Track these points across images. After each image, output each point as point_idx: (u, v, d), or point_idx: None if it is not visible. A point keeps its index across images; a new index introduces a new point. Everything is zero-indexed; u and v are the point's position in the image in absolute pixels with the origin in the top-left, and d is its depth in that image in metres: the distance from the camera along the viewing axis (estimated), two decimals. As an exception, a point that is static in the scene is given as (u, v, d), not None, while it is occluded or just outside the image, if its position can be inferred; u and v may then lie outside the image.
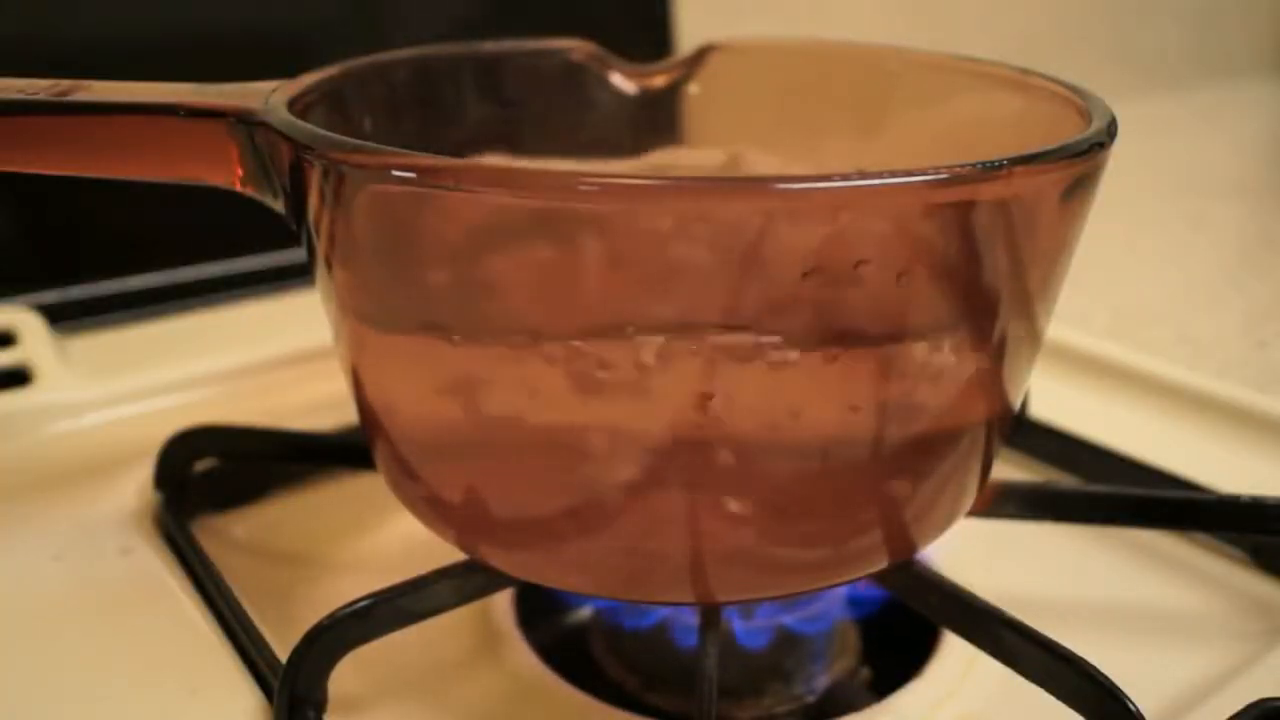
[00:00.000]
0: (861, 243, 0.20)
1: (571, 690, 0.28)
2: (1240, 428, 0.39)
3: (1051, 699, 0.24)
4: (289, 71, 0.27)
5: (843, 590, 0.30)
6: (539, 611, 0.31)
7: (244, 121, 0.24)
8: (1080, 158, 0.21)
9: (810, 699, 0.29)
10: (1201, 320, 0.53)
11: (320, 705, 0.25)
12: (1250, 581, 0.32)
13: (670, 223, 0.19)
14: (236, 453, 0.35)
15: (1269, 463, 0.38)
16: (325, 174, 0.22)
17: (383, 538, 0.34)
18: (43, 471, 0.36)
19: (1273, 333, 0.51)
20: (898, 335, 0.21)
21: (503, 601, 0.30)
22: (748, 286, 0.20)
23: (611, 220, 0.19)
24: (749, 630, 0.29)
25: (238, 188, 0.26)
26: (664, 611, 0.29)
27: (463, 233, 0.21)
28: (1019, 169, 0.20)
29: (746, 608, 0.29)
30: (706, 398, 0.21)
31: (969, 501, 0.26)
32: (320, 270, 0.24)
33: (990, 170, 0.20)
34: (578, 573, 0.25)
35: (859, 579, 0.26)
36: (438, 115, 0.32)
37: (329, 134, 0.22)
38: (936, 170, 0.19)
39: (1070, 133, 0.22)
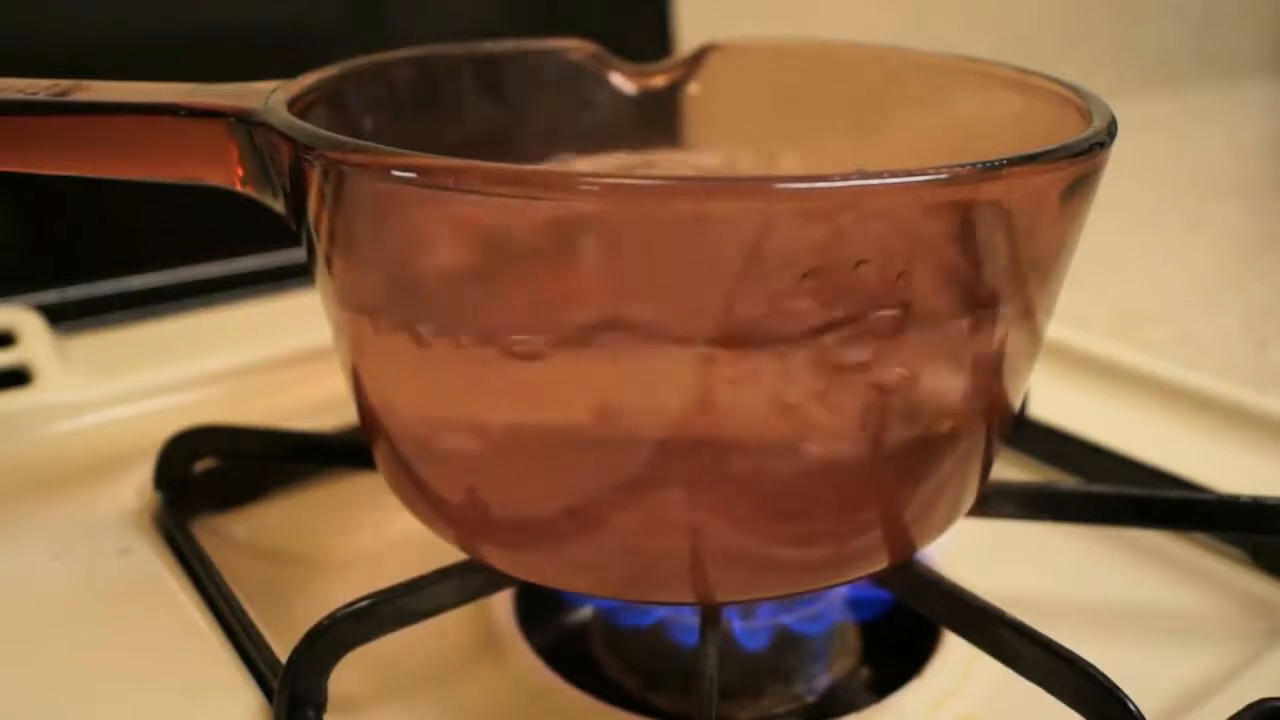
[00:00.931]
0: (861, 243, 0.20)
1: (571, 690, 0.28)
2: (1240, 428, 0.39)
3: (1051, 699, 0.24)
4: (289, 71, 0.27)
5: (843, 591, 0.30)
6: (539, 611, 0.31)
7: (244, 121, 0.24)
8: (1080, 158, 0.21)
9: (810, 699, 0.29)
10: (1201, 320, 0.53)
11: (320, 705, 0.25)
12: (1250, 581, 0.32)
13: (670, 223, 0.19)
14: (236, 453, 0.35)
15: (1269, 463, 0.38)
16: (325, 174, 0.22)
17: (383, 538, 0.34)
18: (43, 471, 0.36)
19: (1273, 333, 0.51)
20: (897, 335, 0.21)
21: (503, 601, 0.30)
22: (747, 286, 0.20)
23: (611, 220, 0.19)
24: (749, 630, 0.29)
25: (238, 188, 0.26)
26: (664, 611, 0.29)
27: (462, 233, 0.21)
28: (1019, 169, 0.20)
29: (746, 608, 0.29)
30: (706, 397, 0.21)
31: (969, 501, 0.26)
32: (320, 270, 0.24)
33: (990, 170, 0.20)
34: (578, 573, 0.25)
35: (859, 579, 0.26)
36: (438, 115, 0.32)
37: (329, 134, 0.22)
38: (936, 170, 0.19)
39: (1070, 133, 0.22)
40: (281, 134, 0.23)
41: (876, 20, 0.79)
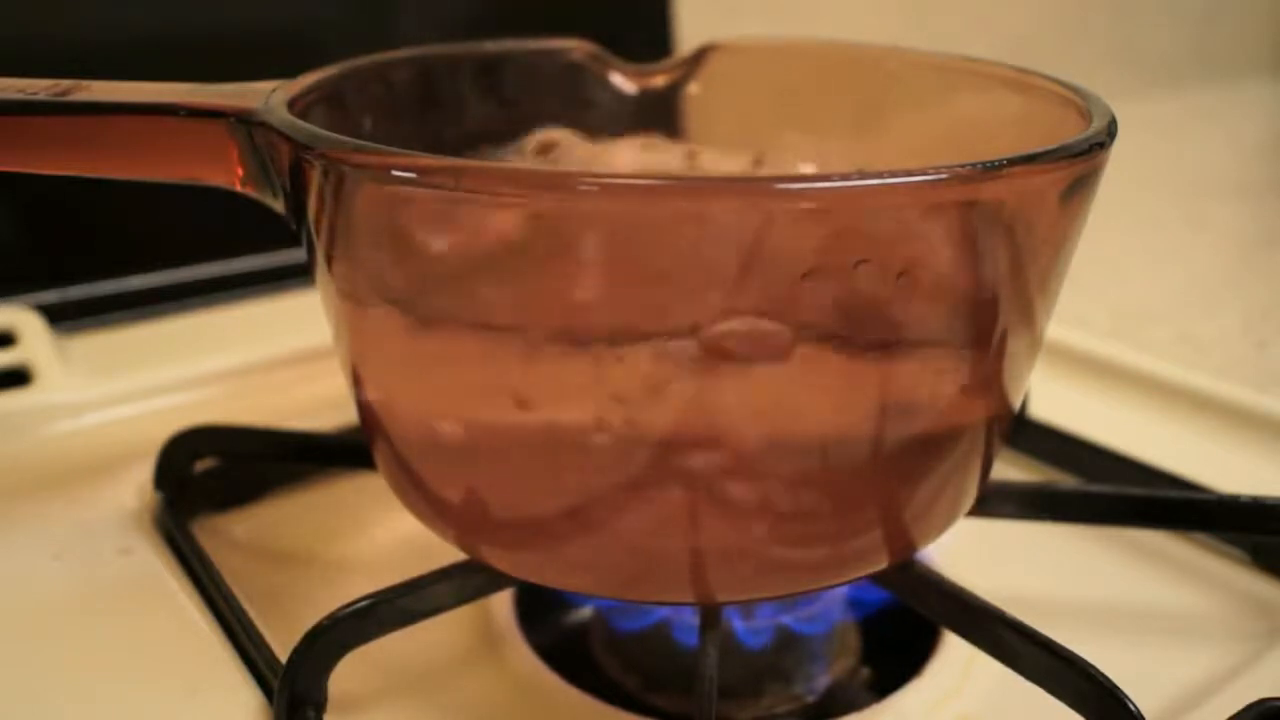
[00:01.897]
0: (861, 243, 0.20)
1: (571, 690, 0.27)
2: (1240, 428, 0.39)
3: (1051, 699, 0.24)
4: (289, 71, 0.27)
5: (843, 590, 0.30)
6: (539, 611, 0.31)
7: (244, 121, 0.24)
8: (1080, 158, 0.21)
9: (810, 699, 0.29)
10: (1201, 320, 0.53)
11: (320, 705, 0.25)
12: (1250, 581, 0.32)
13: (670, 222, 0.19)
14: (236, 453, 0.35)
15: (1269, 463, 0.38)
16: (325, 174, 0.22)
17: (383, 538, 0.34)
18: (43, 471, 0.36)
19: (1273, 333, 0.51)
20: (897, 335, 0.21)
21: (503, 601, 0.30)
22: (747, 286, 0.20)
23: (611, 220, 0.19)
24: (749, 630, 0.29)
25: (238, 188, 0.26)
26: (664, 611, 0.29)
27: (462, 233, 0.21)
28: (1019, 169, 0.20)
29: (746, 608, 0.29)
30: (706, 397, 0.21)
31: (969, 501, 0.26)
32: (320, 270, 0.24)
33: (990, 170, 0.20)
34: (578, 573, 0.25)
35: (859, 579, 0.26)
36: (438, 115, 0.32)
37: (329, 134, 0.22)
38: (936, 170, 0.19)
39: (1070, 133, 0.22)
40: (281, 134, 0.23)
41: (876, 20, 0.79)
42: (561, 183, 0.19)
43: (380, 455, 0.26)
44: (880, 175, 0.19)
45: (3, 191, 0.44)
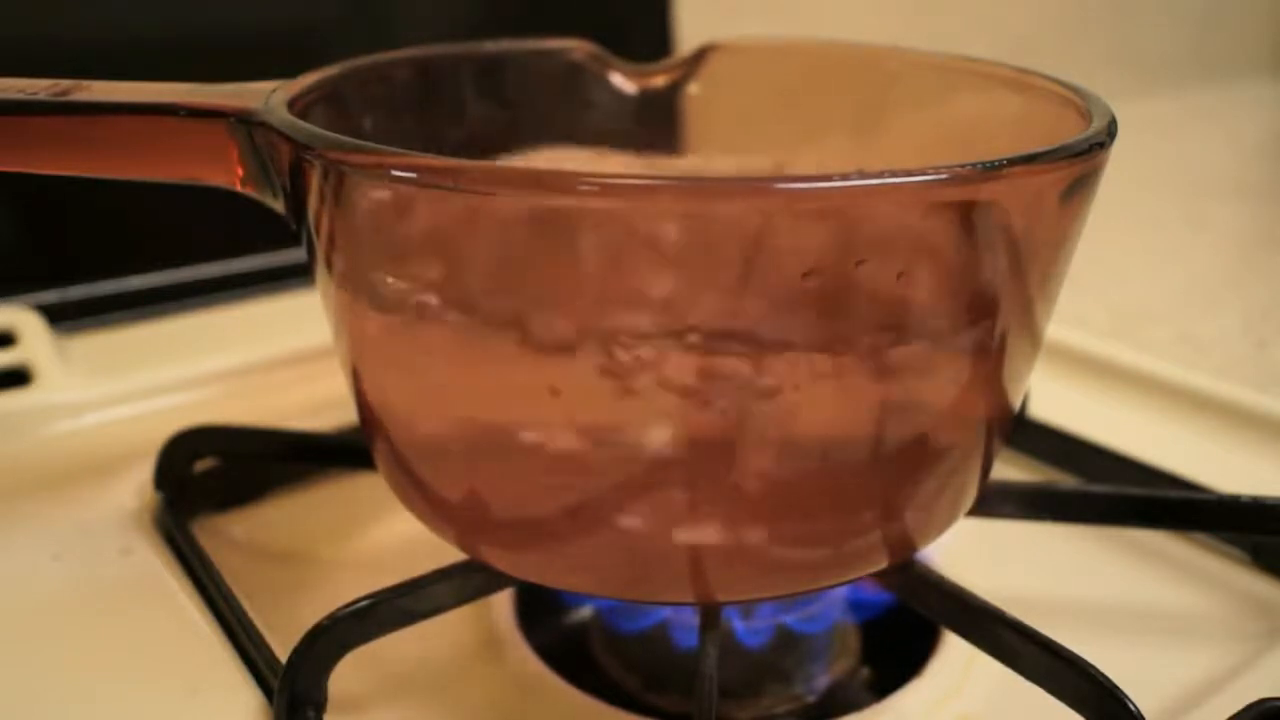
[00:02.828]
0: (861, 243, 0.20)
1: (571, 690, 0.27)
2: (1240, 428, 0.39)
3: (1051, 699, 0.24)
4: (289, 71, 0.27)
5: (843, 591, 0.30)
6: (539, 611, 0.31)
7: (244, 121, 0.24)
8: (1080, 158, 0.21)
9: (810, 699, 0.29)
10: (1201, 320, 0.53)
11: (320, 705, 0.25)
12: (1250, 581, 0.32)
13: (670, 222, 0.19)
14: (236, 453, 0.35)
15: (1269, 463, 0.38)
16: (325, 174, 0.22)
17: (383, 538, 0.34)
18: (43, 471, 0.36)
19: (1273, 333, 0.51)
20: (897, 335, 0.21)
21: (503, 601, 0.30)
22: (747, 286, 0.20)
23: (611, 220, 0.19)
24: (749, 630, 0.29)
25: (238, 188, 0.26)
26: (664, 611, 0.29)
27: (462, 233, 0.21)
28: (1019, 169, 0.20)
29: (746, 608, 0.29)
30: (706, 398, 0.21)
31: (969, 501, 0.26)
32: (320, 270, 0.24)
33: (990, 170, 0.20)
34: (578, 573, 0.25)
35: (859, 579, 0.26)
36: (438, 115, 0.32)
37: (329, 134, 0.22)
38: (936, 170, 0.19)
39: (1070, 133, 0.22)
40: (281, 134, 0.23)
41: (876, 20, 0.79)
42: (562, 183, 0.19)
43: (380, 455, 0.26)
44: (880, 175, 0.19)
45: (3, 191, 0.44)
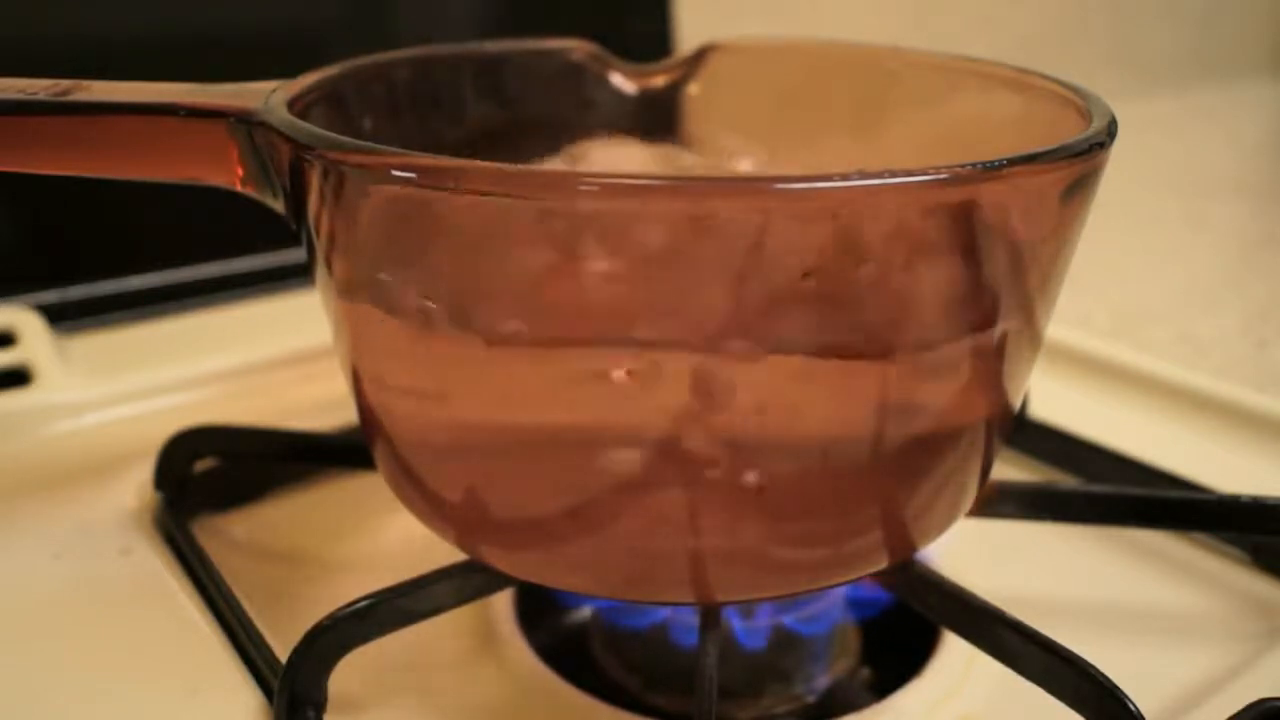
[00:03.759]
0: (861, 243, 0.20)
1: (571, 690, 0.27)
2: (1240, 428, 0.39)
3: (1051, 699, 0.24)
4: (289, 71, 0.27)
5: (843, 590, 0.30)
6: (539, 611, 0.31)
7: (244, 121, 0.24)
8: (1080, 158, 0.21)
9: (810, 699, 0.29)
10: (1201, 320, 0.53)
11: (320, 705, 0.25)
12: (1250, 581, 0.32)
13: (670, 223, 0.19)
14: (236, 453, 0.35)
15: (1269, 463, 0.38)
16: (325, 174, 0.22)
17: (383, 538, 0.34)
18: (43, 471, 0.36)
19: (1273, 333, 0.51)
20: (898, 335, 0.21)
21: (503, 601, 0.30)
22: (747, 286, 0.20)
23: (611, 221, 0.19)
24: (749, 630, 0.29)
25: (238, 188, 0.26)
26: (664, 611, 0.29)
27: (462, 233, 0.21)
28: (1019, 169, 0.20)
29: (746, 608, 0.29)
30: (706, 398, 0.21)
31: (969, 502, 0.26)
32: (320, 270, 0.24)
33: (990, 170, 0.20)
34: (578, 573, 0.25)
35: (859, 579, 0.26)
36: (438, 115, 0.32)
37: (329, 134, 0.22)
38: (936, 170, 0.19)
39: (1070, 133, 0.22)
40: (281, 134, 0.23)
41: (876, 20, 0.79)
42: (562, 183, 0.19)
43: (380, 455, 0.26)
44: (880, 175, 0.19)
45: (3, 191, 0.44)
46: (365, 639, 0.26)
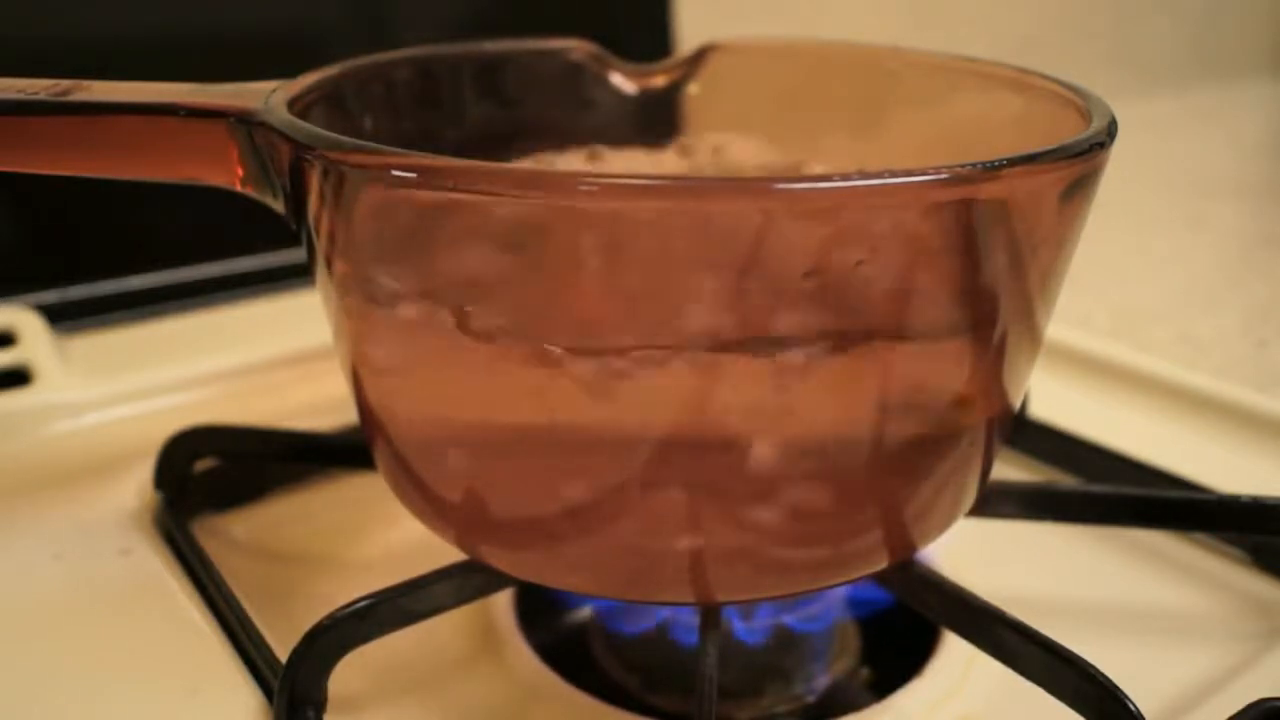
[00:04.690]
0: (861, 243, 0.20)
1: (571, 690, 0.27)
2: (1240, 428, 0.39)
3: (1051, 699, 0.24)
4: (289, 71, 0.27)
5: (843, 590, 0.30)
6: (539, 611, 0.31)
7: (244, 121, 0.24)
8: (1080, 158, 0.21)
9: (810, 699, 0.29)
10: (1201, 320, 0.53)
11: (320, 705, 0.25)
12: (1250, 581, 0.32)
13: (670, 223, 0.19)
14: (236, 453, 0.35)
15: (1269, 463, 0.38)
16: (325, 174, 0.22)
17: (382, 538, 0.34)
18: (43, 471, 0.36)
19: (1273, 333, 0.51)
20: (898, 335, 0.21)
21: (503, 601, 0.30)
22: (747, 286, 0.20)
23: (611, 220, 0.19)
24: (749, 630, 0.29)
25: (238, 188, 0.26)
26: (664, 611, 0.29)
27: (462, 233, 0.21)
28: (1019, 169, 0.20)
29: (746, 607, 0.29)
30: (706, 397, 0.21)
31: (969, 501, 0.26)
32: (320, 270, 0.24)
33: (990, 170, 0.20)
34: (578, 573, 0.25)
35: (859, 579, 0.26)
36: (438, 115, 0.32)
37: (329, 134, 0.22)
38: (936, 170, 0.19)
39: (1070, 133, 0.22)
40: (281, 134, 0.23)
41: (876, 20, 0.79)
42: (562, 183, 0.19)
43: (380, 455, 0.26)
44: (880, 175, 0.19)
45: (3, 191, 0.44)
46: (365, 639, 0.26)
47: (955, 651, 0.29)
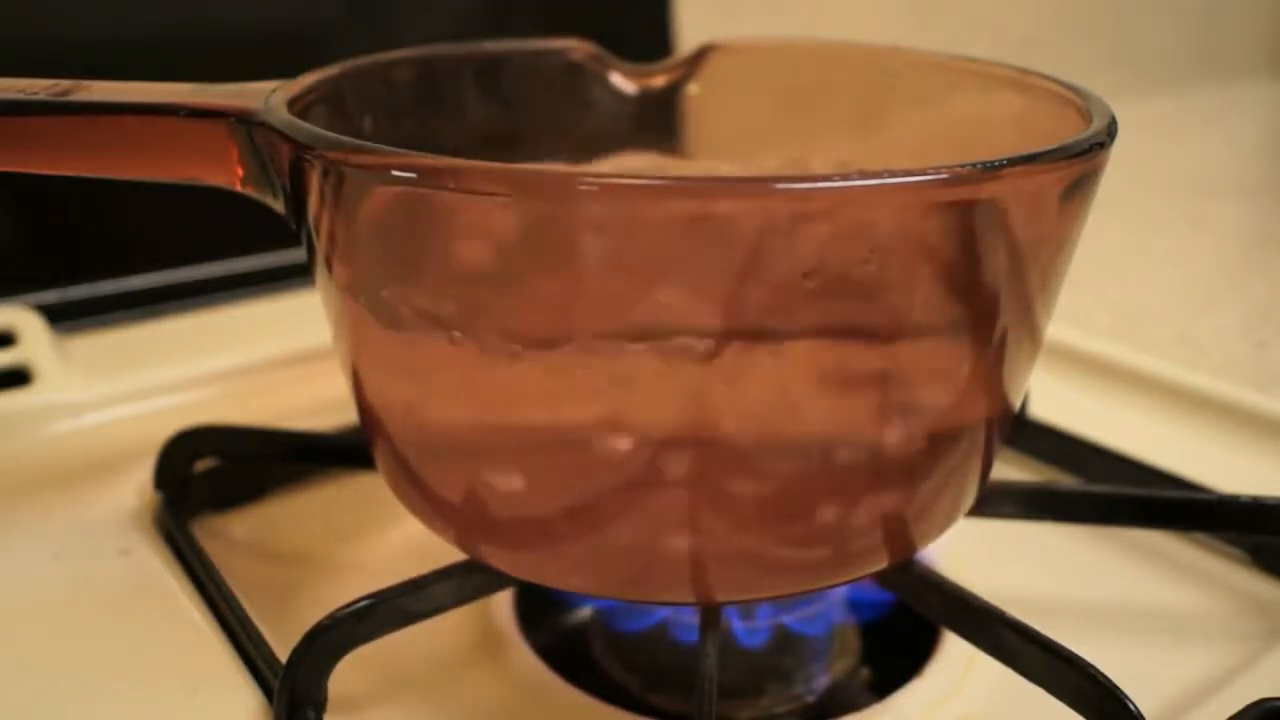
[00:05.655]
0: (861, 242, 0.20)
1: (571, 690, 0.28)
2: (1240, 428, 0.39)
3: (1051, 699, 0.24)
4: (289, 71, 0.27)
5: (843, 591, 0.30)
6: (539, 611, 0.31)
7: (244, 121, 0.24)
8: (1080, 158, 0.21)
9: (810, 699, 0.29)
10: (1201, 320, 0.53)
11: (320, 705, 0.25)
12: (1250, 581, 0.32)
13: (670, 223, 0.19)
14: (236, 453, 0.35)
15: (1269, 463, 0.38)
16: (325, 174, 0.22)
17: (383, 538, 0.34)
18: (43, 471, 0.36)
19: (1273, 333, 0.51)
20: (898, 335, 0.21)
21: (503, 601, 0.30)
22: (747, 286, 0.20)
23: (611, 220, 0.19)
24: (749, 630, 0.29)
25: (238, 188, 0.26)
26: (664, 611, 0.29)
27: (462, 233, 0.21)
28: (1019, 169, 0.20)
29: (746, 608, 0.29)
30: (707, 397, 0.21)
31: (969, 502, 0.26)
32: (320, 270, 0.24)
33: (990, 170, 0.20)
34: (578, 573, 0.25)
35: (859, 579, 0.26)
36: (438, 115, 0.32)
37: (329, 134, 0.22)
38: (936, 170, 0.19)
39: (1070, 133, 0.22)
40: (281, 134, 0.23)
41: (876, 20, 0.79)
42: (561, 183, 0.19)
43: (380, 455, 0.26)
44: (881, 175, 0.19)
45: (3, 191, 0.44)
46: (365, 639, 0.26)
47: (955, 651, 0.29)
